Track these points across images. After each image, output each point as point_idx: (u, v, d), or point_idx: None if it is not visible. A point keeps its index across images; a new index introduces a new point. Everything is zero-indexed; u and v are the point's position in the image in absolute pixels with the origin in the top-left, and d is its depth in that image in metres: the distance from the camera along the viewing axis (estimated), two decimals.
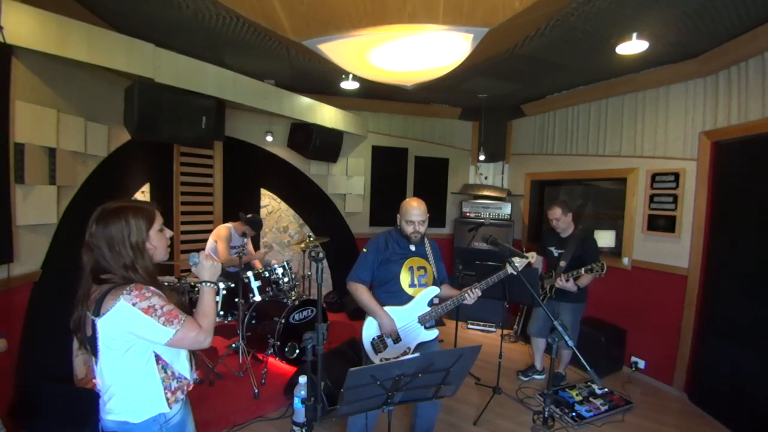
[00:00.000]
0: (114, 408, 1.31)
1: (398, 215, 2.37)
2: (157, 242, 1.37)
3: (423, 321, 2.25)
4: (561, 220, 3.26)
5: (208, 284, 1.44)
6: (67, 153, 2.68)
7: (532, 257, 2.38)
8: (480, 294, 2.23)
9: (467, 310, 4.83)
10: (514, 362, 3.92)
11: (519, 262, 2.26)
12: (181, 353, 1.41)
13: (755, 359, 2.76)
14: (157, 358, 1.33)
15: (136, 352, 1.29)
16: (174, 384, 1.37)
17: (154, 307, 1.25)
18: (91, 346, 1.29)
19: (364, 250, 2.34)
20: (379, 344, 2.25)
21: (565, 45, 3.05)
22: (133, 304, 1.22)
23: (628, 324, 3.85)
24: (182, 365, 1.41)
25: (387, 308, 2.23)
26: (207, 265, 1.46)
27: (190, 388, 1.46)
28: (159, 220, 1.38)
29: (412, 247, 2.35)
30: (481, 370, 3.63)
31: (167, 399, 1.34)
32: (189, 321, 1.31)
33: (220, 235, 3.77)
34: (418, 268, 2.33)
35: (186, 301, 1.35)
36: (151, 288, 1.29)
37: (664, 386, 3.53)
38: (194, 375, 1.48)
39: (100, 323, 1.23)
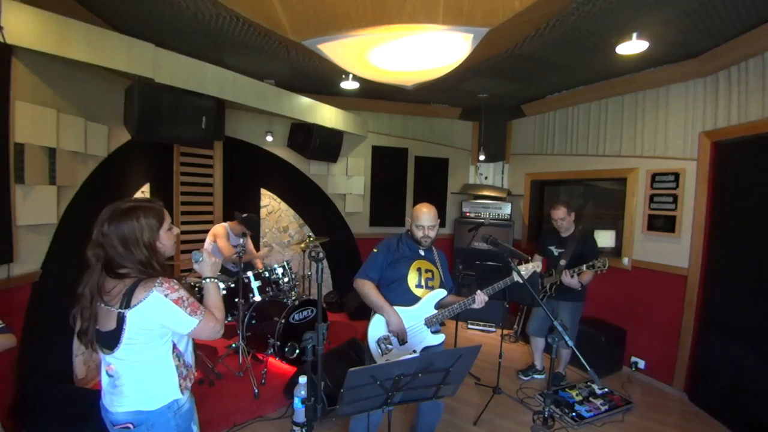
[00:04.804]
0: (126, 400, 1.33)
1: (409, 219, 2.42)
2: (166, 240, 1.42)
3: (429, 323, 2.25)
4: (565, 220, 3.27)
5: (212, 280, 1.54)
6: (67, 153, 2.68)
7: (537, 267, 2.36)
8: (487, 299, 2.23)
9: (467, 310, 4.83)
10: (514, 362, 3.92)
11: (525, 270, 2.26)
12: (189, 344, 1.48)
13: (755, 359, 2.76)
14: (174, 346, 1.40)
15: (158, 341, 1.34)
16: (184, 371, 1.43)
17: (182, 299, 1.33)
18: (109, 339, 1.30)
19: (375, 249, 2.37)
20: (385, 344, 2.23)
21: (565, 45, 3.05)
22: (165, 296, 1.29)
23: (628, 324, 3.85)
24: (189, 355, 1.48)
25: (394, 307, 2.23)
26: (209, 263, 1.55)
27: (194, 378, 1.50)
28: (167, 219, 1.44)
29: (422, 251, 2.40)
30: (481, 370, 3.63)
31: (180, 385, 1.39)
32: (208, 312, 1.41)
33: (218, 233, 3.78)
34: (426, 271, 2.35)
35: (199, 299, 1.43)
36: (175, 281, 1.36)
37: (664, 386, 3.53)
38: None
39: (131, 314, 1.27)
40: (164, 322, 1.31)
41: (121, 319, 1.27)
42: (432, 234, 2.35)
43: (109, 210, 1.34)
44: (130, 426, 1.32)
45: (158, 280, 1.30)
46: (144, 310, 1.27)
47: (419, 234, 2.34)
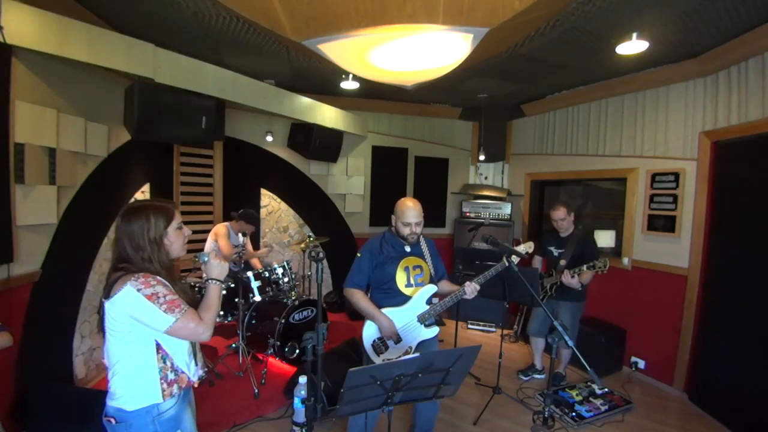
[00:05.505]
0: (114, 394, 1.35)
1: (393, 216, 2.32)
2: (174, 239, 1.45)
3: (422, 320, 2.25)
4: (565, 220, 3.28)
5: (215, 282, 1.52)
6: (67, 153, 2.68)
7: (530, 247, 2.40)
8: (479, 288, 2.21)
9: (467, 311, 4.83)
10: (514, 362, 3.92)
11: (515, 258, 2.28)
12: (183, 347, 1.44)
13: (755, 359, 2.76)
14: (158, 347, 1.37)
15: (138, 337, 1.34)
16: (171, 376, 1.39)
17: (156, 295, 1.31)
18: (101, 326, 1.37)
19: (358, 254, 2.31)
20: (380, 345, 2.25)
21: (565, 45, 3.05)
22: (138, 290, 1.30)
23: (628, 324, 3.85)
24: (181, 359, 1.43)
25: (385, 310, 2.23)
26: (215, 264, 1.54)
27: (190, 385, 1.47)
28: (177, 219, 1.47)
29: (408, 248, 2.33)
30: (481, 370, 3.63)
31: (162, 390, 1.37)
32: (190, 312, 1.36)
33: (220, 233, 3.78)
34: (414, 267, 2.32)
35: (199, 299, 1.44)
36: (158, 278, 1.36)
37: (664, 386, 3.53)
38: (199, 372, 1.51)
39: (108, 305, 1.32)
40: (136, 315, 1.30)
41: (102, 308, 1.34)
42: (419, 230, 2.26)
43: (124, 208, 1.42)
44: (112, 420, 1.34)
45: (136, 275, 1.32)
46: (117, 302, 1.30)
47: (406, 231, 2.24)
